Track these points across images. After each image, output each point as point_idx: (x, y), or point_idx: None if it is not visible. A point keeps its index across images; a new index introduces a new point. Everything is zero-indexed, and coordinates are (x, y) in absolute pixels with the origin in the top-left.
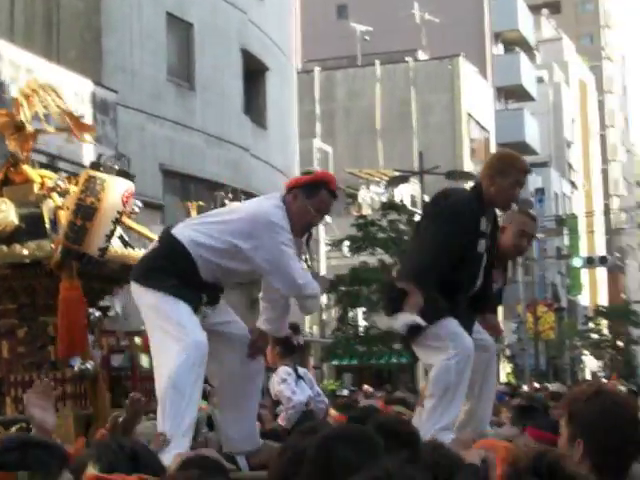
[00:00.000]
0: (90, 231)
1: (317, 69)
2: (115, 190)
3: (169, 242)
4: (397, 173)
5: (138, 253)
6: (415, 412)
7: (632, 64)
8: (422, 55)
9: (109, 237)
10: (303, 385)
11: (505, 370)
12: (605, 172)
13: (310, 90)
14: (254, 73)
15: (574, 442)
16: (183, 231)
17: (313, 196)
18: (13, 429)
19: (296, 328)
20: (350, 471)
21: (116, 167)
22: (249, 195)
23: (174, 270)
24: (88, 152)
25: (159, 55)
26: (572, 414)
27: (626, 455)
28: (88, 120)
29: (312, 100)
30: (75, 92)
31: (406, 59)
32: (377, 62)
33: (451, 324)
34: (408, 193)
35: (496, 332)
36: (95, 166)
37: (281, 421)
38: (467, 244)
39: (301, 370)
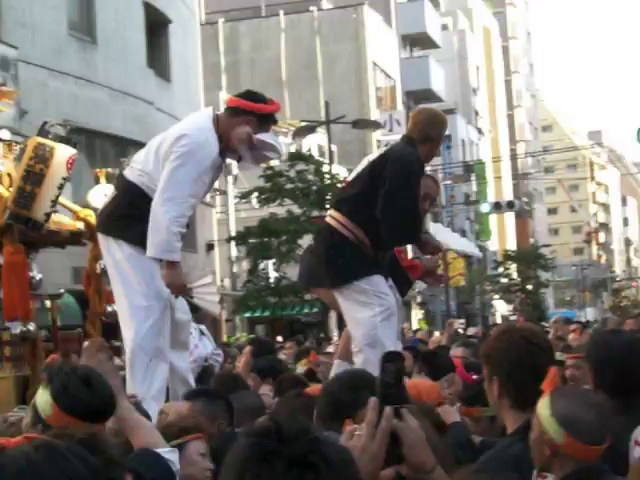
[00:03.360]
0: (38, 196)
1: (221, 20)
2: (61, 156)
3: (125, 187)
4: (304, 123)
5: (62, 218)
6: (334, 364)
7: (535, 9)
8: (326, 4)
9: (54, 202)
10: (205, 340)
11: (417, 317)
12: (511, 118)
13: (214, 42)
14: (157, 26)
15: (491, 382)
16: (132, 172)
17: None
18: None
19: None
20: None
21: (61, 134)
22: None
23: (138, 215)
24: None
25: (60, 9)
26: (485, 354)
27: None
28: None
29: (217, 52)
30: None
31: (310, 9)
32: (281, 12)
33: (379, 281)
34: (315, 143)
35: (439, 249)
36: (43, 133)
37: None
38: None
39: (202, 326)
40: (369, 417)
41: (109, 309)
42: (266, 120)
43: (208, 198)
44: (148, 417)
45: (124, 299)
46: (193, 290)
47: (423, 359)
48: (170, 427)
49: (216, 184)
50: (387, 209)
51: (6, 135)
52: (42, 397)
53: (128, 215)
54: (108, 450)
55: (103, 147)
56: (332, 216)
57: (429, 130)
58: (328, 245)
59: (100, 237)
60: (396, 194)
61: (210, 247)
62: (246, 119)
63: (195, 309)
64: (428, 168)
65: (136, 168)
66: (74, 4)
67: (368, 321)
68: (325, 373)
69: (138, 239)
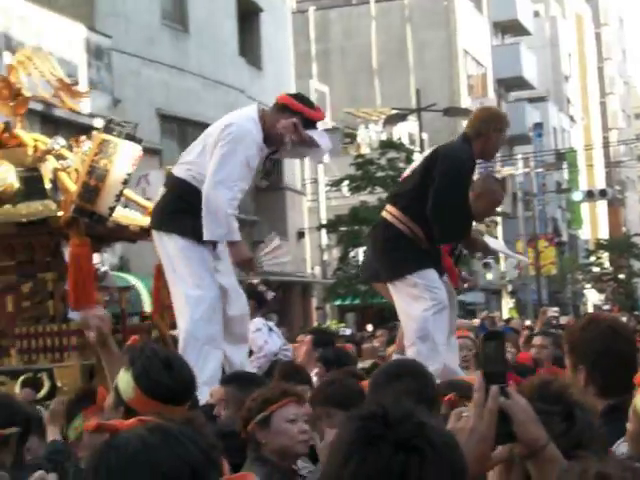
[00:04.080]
0: (102, 191)
1: (312, 8)
2: (125, 153)
3: (174, 183)
4: (395, 111)
5: (131, 214)
6: (392, 357)
7: None
8: None
9: (118, 197)
10: (274, 336)
11: (507, 305)
12: (603, 105)
13: (305, 30)
14: (248, 14)
15: (576, 371)
16: (179, 169)
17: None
18: (21, 379)
19: (268, 284)
20: None
21: (126, 131)
22: None
23: (188, 208)
24: (84, 100)
25: None
26: (571, 344)
27: (627, 374)
28: (83, 66)
29: (307, 40)
30: (68, 39)
31: None
32: (372, 0)
33: (431, 275)
34: (406, 131)
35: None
36: (108, 130)
37: (252, 368)
38: None
39: (271, 323)
40: (476, 398)
41: None
42: (309, 125)
43: (299, 186)
44: (197, 403)
45: (178, 290)
46: (262, 261)
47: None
48: (254, 401)
49: (307, 172)
50: (436, 208)
51: (100, 124)
52: (124, 379)
53: (178, 209)
54: (206, 434)
55: (194, 135)
56: (388, 210)
57: (480, 126)
58: (383, 239)
59: (154, 233)
60: (444, 193)
61: (301, 235)
62: (293, 117)
63: (261, 304)
64: (519, 156)
65: (183, 163)
66: None
67: (420, 315)
68: None
69: (190, 231)
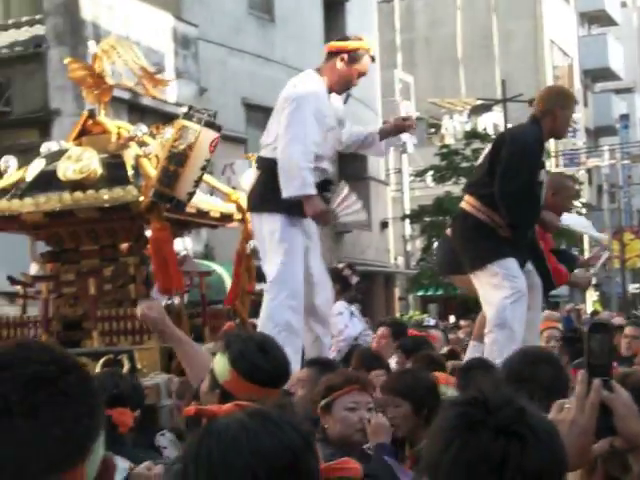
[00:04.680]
0: (181, 176)
1: None
2: (204, 139)
3: (263, 165)
4: (480, 102)
5: (212, 200)
6: (469, 346)
7: None
8: None
9: (197, 183)
10: (355, 321)
11: (592, 298)
12: None
13: (390, 20)
14: (334, 4)
15: None
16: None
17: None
18: (101, 360)
19: (353, 267)
20: None
21: (205, 118)
22: None
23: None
24: (171, 88)
25: None
26: None
27: None
28: (170, 55)
29: (392, 30)
30: (156, 28)
31: None
32: None
33: (511, 264)
34: (491, 122)
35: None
36: (188, 117)
37: (332, 352)
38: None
39: (353, 307)
40: (578, 390)
41: (257, 288)
42: (356, 56)
43: (383, 176)
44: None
45: (269, 272)
46: (337, 213)
47: (564, 341)
48: (320, 386)
49: (391, 162)
50: (502, 191)
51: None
52: (220, 363)
53: (272, 188)
54: (301, 419)
55: None
56: (465, 200)
57: (545, 104)
58: (463, 229)
59: (252, 217)
60: (510, 176)
61: (384, 225)
62: (338, 58)
63: (345, 288)
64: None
65: (265, 143)
66: None
67: (499, 303)
68: None
69: (285, 207)
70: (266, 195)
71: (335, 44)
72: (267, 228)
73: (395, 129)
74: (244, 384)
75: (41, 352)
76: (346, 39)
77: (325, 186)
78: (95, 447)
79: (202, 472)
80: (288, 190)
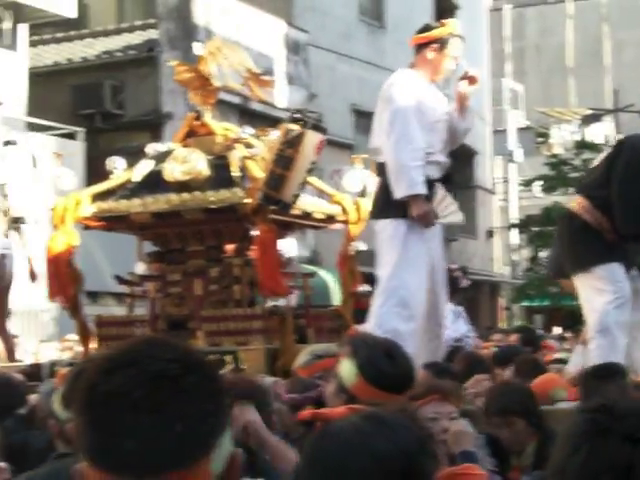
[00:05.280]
0: (287, 179)
1: (507, 7)
2: (310, 142)
3: (382, 170)
4: (590, 112)
5: (316, 201)
6: (574, 351)
7: None
8: None
9: (302, 185)
10: (461, 322)
11: None
12: None
13: (500, 28)
14: (445, 11)
15: None
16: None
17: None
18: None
19: (465, 270)
20: None
21: (311, 120)
22: None
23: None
24: (281, 94)
25: None
26: None
27: None
28: (281, 61)
29: (502, 38)
30: (267, 33)
31: None
32: None
33: (615, 268)
34: (602, 132)
35: None
36: (294, 119)
37: None
38: None
39: (459, 308)
40: None
41: (360, 290)
42: (446, 42)
43: (490, 185)
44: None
45: (381, 277)
46: (438, 213)
47: None
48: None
49: (498, 171)
50: (617, 197)
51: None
52: (346, 367)
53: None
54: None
55: None
56: (576, 201)
57: None
58: (569, 232)
59: (376, 224)
60: (626, 183)
61: (490, 234)
62: (428, 49)
63: (455, 290)
64: None
65: (374, 147)
66: None
67: (601, 308)
68: None
69: (401, 214)
70: (386, 201)
71: (421, 36)
72: (387, 234)
73: (458, 96)
74: (370, 389)
75: (166, 349)
76: (429, 28)
77: (447, 181)
78: (221, 443)
79: (316, 475)
80: (397, 191)
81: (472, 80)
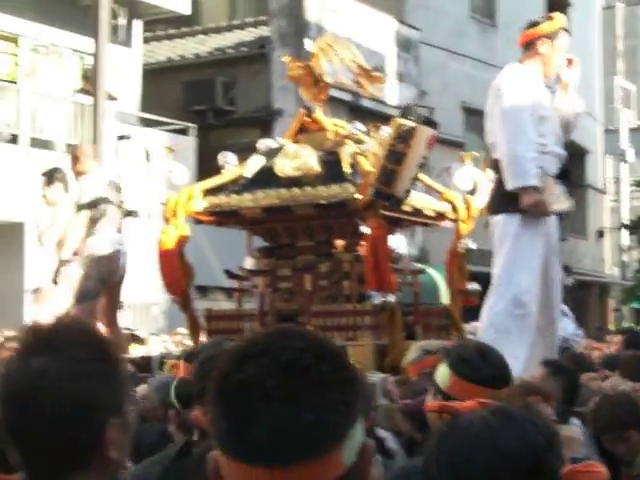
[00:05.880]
0: (399, 174)
1: (620, 4)
2: (421, 137)
3: (496, 166)
4: None
5: (426, 198)
6: None
7: None
8: None
9: (414, 181)
10: (567, 321)
11: None
12: None
13: (612, 26)
14: (557, 8)
15: None
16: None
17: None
18: None
19: (569, 269)
20: None
21: (423, 115)
22: None
23: None
24: (391, 91)
25: None
26: None
27: None
28: (392, 58)
29: (614, 36)
30: (378, 31)
31: None
32: None
33: None
34: None
35: None
36: (405, 115)
37: None
38: None
39: (565, 307)
40: None
41: (469, 287)
42: (554, 36)
43: (601, 184)
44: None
45: (495, 276)
46: (550, 205)
47: None
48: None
49: (610, 171)
50: None
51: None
52: (441, 371)
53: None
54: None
55: None
56: None
57: None
58: None
59: (494, 220)
60: None
61: (600, 234)
62: (538, 43)
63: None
64: None
65: (490, 143)
66: None
67: None
68: None
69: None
70: (501, 196)
71: (530, 31)
72: (502, 230)
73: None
74: (465, 385)
75: (298, 339)
76: (537, 23)
77: (565, 176)
78: (352, 433)
79: (443, 468)
80: (509, 182)
81: (570, 62)
